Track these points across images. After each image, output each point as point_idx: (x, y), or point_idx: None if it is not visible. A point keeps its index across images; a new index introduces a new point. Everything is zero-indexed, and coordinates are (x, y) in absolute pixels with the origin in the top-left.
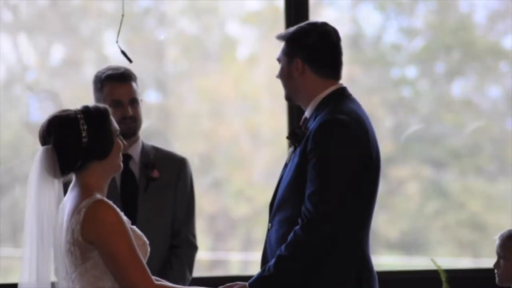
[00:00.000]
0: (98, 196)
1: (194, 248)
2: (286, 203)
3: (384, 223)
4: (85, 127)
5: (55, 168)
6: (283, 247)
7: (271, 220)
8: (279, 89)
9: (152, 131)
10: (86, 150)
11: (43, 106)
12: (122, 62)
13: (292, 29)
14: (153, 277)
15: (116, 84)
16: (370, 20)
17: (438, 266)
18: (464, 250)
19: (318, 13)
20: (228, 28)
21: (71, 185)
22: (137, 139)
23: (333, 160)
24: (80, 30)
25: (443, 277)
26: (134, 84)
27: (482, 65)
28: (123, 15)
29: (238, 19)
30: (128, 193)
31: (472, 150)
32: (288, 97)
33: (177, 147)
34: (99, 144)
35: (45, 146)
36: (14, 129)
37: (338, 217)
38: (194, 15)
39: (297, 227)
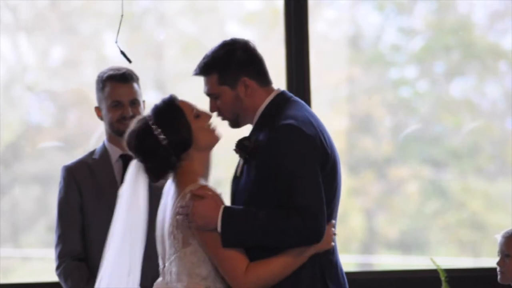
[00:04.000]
0: (203, 182)
1: None
2: None
3: (384, 223)
4: (159, 130)
5: (148, 178)
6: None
7: None
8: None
9: None
10: (171, 149)
11: (42, 106)
12: (121, 63)
13: (212, 58)
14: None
15: (117, 84)
16: (370, 20)
17: (438, 266)
18: (464, 249)
19: (318, 13)
20: (227, 28)
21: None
22: None
23: (295, 167)
24: (79, 30)
25: (442, 277)
26: (135, 85)
27: (482, 65)
28: (122, 15)
29: (237, 19)
30: None
31: (471, 150)
32: (235, 123)
33: None
34: (179, 138)
35: (134, 162)
36: (14, 129)
37: (322, 219)
38: (193, 15)
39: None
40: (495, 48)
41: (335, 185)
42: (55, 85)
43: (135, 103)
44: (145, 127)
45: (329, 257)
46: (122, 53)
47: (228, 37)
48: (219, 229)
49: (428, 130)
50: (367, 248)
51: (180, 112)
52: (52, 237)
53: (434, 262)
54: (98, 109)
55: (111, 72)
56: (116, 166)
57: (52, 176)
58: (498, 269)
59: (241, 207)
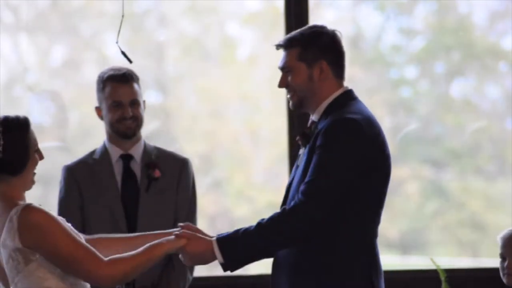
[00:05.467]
0: (24, 202)
1: None
2: None
3: (384, 222)
4: (1, 142)
5: None
6: (267, 218)
7: None
8: (279, 89)
9: (152, 132)
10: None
11: (43, 106)
12: (122, 63)
13: (299, 34)
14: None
15: (117, 85)
16: (370, 20)
17: (438, 266)
18: (464, 249)
19: (318, 13)
20: (228, 29)
21: None
22: (138, 139)
23: (335, 156)
24: (80, 30)
25: (442, 277)
26: (135, 85)
27: (482, 65)
28: (123, 16)
29: (238, 19)
30: (129, 193)
31: (472, 150)
32: (298, 105)
33: (177, 148)
34: (14, 159)
35: None
36: None
37: (325, 207)
38: (194, 15)
39: (286, 208)
40: (495, 48)
41: (386, 189)
42: (56, 85)
43: (135, 103)
44: None
45: (376, 258)
46: (123, 53)
47: (228, 37)
48: (220, 260)
49: (428, 130)
50: None
51: (29, 138)
52: None
53: (434, 262)
54: (98, 109)
55: (111, 73)
56: (117, 166)
57: (52, 176)
58: (505, 271)
59: (231, 231)
